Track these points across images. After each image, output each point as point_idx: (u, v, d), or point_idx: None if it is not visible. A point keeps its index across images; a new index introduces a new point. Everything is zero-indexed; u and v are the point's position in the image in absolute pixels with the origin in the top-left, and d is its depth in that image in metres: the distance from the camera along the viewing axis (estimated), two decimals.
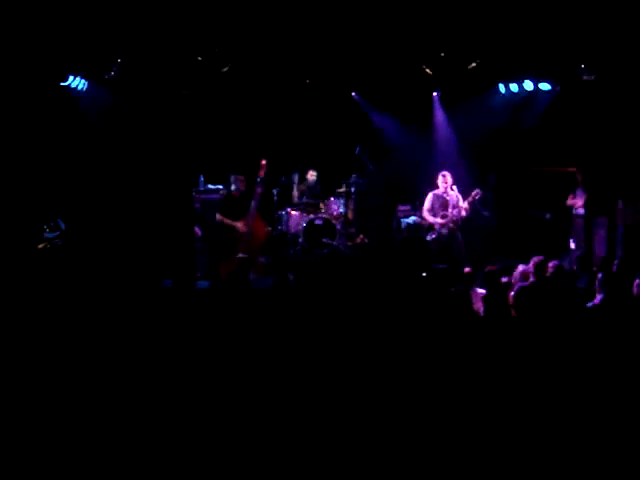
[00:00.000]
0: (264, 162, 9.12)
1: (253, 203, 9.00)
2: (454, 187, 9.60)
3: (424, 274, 7.90)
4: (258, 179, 9.08)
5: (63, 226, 9.60)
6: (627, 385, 4.45)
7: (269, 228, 9.30)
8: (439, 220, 9.54)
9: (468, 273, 7.13)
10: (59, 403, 4.54)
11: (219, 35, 9.82)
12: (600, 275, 5.96)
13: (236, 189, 9.31)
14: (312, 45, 10.10)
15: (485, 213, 10.34)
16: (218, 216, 9.15)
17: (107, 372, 4.93)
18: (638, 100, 9.91)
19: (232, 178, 9.40)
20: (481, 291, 6.75)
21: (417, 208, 10.89)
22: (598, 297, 5.70)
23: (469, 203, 9.51)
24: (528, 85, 10.78)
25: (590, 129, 10.53)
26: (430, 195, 9.72)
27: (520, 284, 6.54)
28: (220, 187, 10.39)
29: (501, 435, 4.11)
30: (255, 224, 9.05)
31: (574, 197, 10.16)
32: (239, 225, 8.99)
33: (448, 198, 9.57)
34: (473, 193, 9.50)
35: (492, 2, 9.25)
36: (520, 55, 10.12)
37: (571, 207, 10.20)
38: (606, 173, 10.13)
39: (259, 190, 9.05)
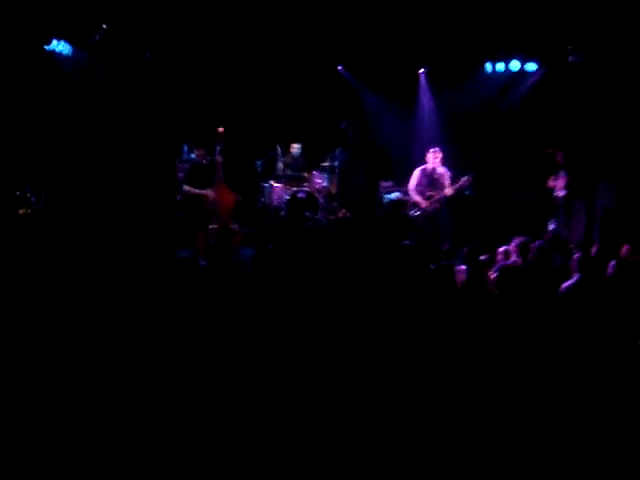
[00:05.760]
0: (221, 130, 9.09)
1: (217, 172, 9.00)
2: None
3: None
4: (217, 148, 9.06)
5: (33, 199, 9.54)
6: (603, 365, 4.55)
7: (238, 196, 9.29)
8: (423, 202, 9.53)
9: (448, 250, 7.21)
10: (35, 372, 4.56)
11: (206, 4, 9.76)
12: (577, 256, 6.06)
13: (200, 160, 9.35)
14: (299, 18, 10.06)
15: (467, 192, 10.39)
16: (186, 187, 9.14)
17: (87, 339, 4.96)
18: (621, 84, 10.00)
19: (194, 151, 9.47)
20: (462, 267, 6.81)
21: (400, 184, 10.93)
22: (574, 277, 5.79)
23: (456, 188, 9.47)
24: (515, 65, 10.82)
25: (574, 112, 10.62)
26: (418, 171, 9.65)
27: (502, 263, 6.61)
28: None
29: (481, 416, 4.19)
30: (221, 192, 9.05)
31: (555, 179, 10.24)
32: (207, 193, 8.99)
33: (437, 176, 9.53)
34: (464, 179, 9.44)
35: None
36: (508, 35, 10.15)
37: (552, 189, 10.28)
38: (587, 156, 10.23)
39: (219, 159, 9.03)
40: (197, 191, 9.03)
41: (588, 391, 4.29)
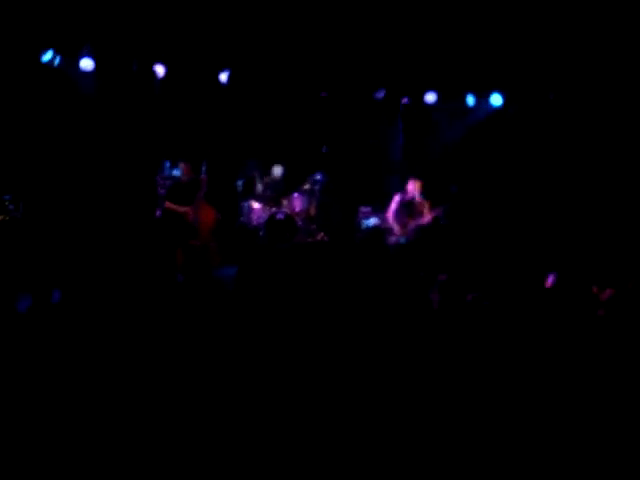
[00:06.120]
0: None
1: (200, 189, 9.07)
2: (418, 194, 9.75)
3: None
4: (203, 166, 9.16)
5: (12, 207, 9.50)
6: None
7: (218, 215, 9.38)
8: (398, 229, 9.65)
9: (423, 278, 7.31)
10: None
11: (195, 25, 9.85)
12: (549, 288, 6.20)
13: (183, 177, 9.41)
14: (286, 41, 10.20)
15: (442, 222, 10.49)
16: (166, 204, 9.20)
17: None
18: (593, 122, 10.31)
19: (180, 166, 9.52)
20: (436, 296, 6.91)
21: (379, 210, 11.03)
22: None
23: (433, 217, 9.63)
24: (496, 100, 11.07)
25: (548, 147, 10.90)
26: (397, 198, 9.81)
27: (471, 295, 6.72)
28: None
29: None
30: (202, 210, 9.12)
31: None
32: (185, 211, 9.05)
33: (415, 204, 9.68)
34: (440, 208, 9.62)
35: (465, 16, 9.53)
36: (490, 70, 10.39)
37: None
38: (559, 190, 10.50)
39: (204, 177, 9.12)
40: (176, 208, 9.08)
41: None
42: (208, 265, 8.87)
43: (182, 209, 9.04)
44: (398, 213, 9.76)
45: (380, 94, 11.42)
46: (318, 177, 11.00)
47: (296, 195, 10.99)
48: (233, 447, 3.95)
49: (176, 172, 9.70)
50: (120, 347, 5.05)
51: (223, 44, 10.22)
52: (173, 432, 4.06)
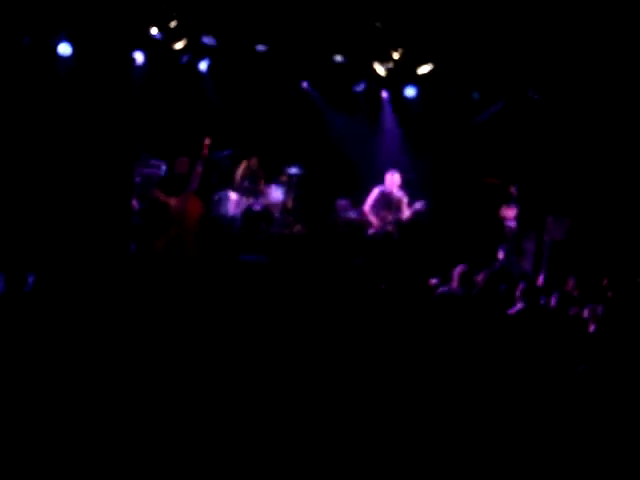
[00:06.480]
0: (208, 141, 9.14)
1: (192, 182, 9.03)
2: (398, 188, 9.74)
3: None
4: (200, 158, 9.11)
5: None
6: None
7: (204, 208, 9.36)
8: (377, 222, 9.64)
9: (398, 272, 7.32)
10: None
11: (175, 7, 9.79)
12: (522, 285, 6.23)
13: (178, 169, 9.41)
14: (267, 31, 10.16)
15: (423, 219, 10.53)
16: (155, 192, 9.19)
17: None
18: (577, 122, 10.37)
19: (179, 160, 9.59)
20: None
21: (356, 203, 11.03)
22: (518, 305, 5.96)
23: (412, 213, 9.60)
24: (475, 95, 11.11)
25: (529, 146, 10.94)
26: (376, 191, 9.77)
27: (441, 289, 6.73)
28: (162, 162, 10.41)
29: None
30: (190, 202, 9.07)
31: (507, 209, 10.47)
32: (172, 202, 9.02)
33: (394, 198, 9.65)
34: (418, 204, 9.58)
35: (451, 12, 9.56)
36: (471, 66, 10.42)
37: (503, 218, 10.50)
38: (539, 189, 10.54)
39: (199, 169, 9.08)
40: (163, 197, 9.06)
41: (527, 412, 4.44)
42: (186, 255, 8.83)
43: (167, 199, 9.02)
44: (376, 206, 9.74)
45: (360, 87, 11.41)
46: (294, 170, 10.97)
47: (274, 186, 10.95)
48: (207, 441, 3.96)
49: (164, 166, 9.67)
50: (95, 335, 5.02)
51: (202, 32, 10.15)
52: (142, 423, 4.05)
